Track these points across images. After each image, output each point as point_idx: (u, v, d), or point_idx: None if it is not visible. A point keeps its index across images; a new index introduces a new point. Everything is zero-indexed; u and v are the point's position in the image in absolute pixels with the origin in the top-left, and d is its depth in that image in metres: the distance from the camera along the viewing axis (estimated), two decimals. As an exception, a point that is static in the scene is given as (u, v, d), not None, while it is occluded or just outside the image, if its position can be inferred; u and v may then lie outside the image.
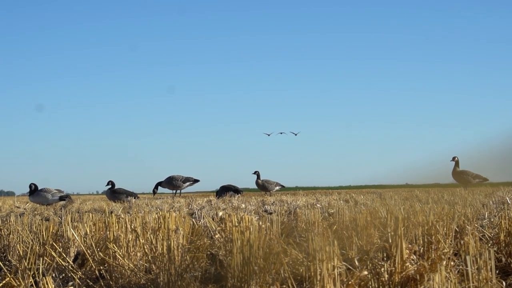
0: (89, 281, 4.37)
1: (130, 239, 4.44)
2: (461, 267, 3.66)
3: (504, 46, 77.67)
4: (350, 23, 78.05)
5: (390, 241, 3.61)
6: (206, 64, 75.38)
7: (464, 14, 79.06)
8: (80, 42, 75.41)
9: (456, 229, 4.32)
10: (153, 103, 73.27)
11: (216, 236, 4.33)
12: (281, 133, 24.00)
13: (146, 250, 4.29)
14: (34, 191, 15.56)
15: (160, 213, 4.24)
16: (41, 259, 4.26)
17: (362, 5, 79.40)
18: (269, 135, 24.73)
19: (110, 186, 17.27)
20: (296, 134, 24.49)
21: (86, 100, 74.35)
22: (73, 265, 4.47)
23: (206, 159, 58.82)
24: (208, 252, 4.72)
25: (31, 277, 3.85)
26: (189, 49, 75.63)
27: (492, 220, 6.30)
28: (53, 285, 3.61)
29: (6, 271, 4.01)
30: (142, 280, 4.22)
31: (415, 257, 3.71)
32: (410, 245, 3.60)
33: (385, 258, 3.63)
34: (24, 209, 12.88)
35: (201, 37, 76.41)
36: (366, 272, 3.50)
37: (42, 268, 4.11)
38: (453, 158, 19.10)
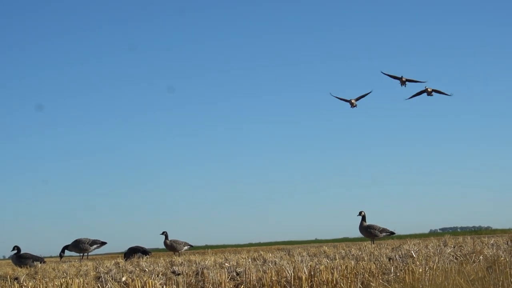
0: None
1: (32, 307, 4.35)
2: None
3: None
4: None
5: (295, 301, 3.62)
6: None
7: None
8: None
9: (361, 286, 4.35)
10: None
11: (121, 302, 4.28)
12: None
13: (49, 318, 4.20)
14: None
15: (63, 280, 4.17)
16: None
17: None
18: (352, 105, 15.60)
19: (16, 251, 16.93)
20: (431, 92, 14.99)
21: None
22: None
23: (114, 220, 57.74)
24: (114, 317, 4.66)
25: None
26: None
27: (398, 274, 6.38)
28: None
29: None
30: None
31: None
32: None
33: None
34: None
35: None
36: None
37: None
38: (360, 213, 19.30)
